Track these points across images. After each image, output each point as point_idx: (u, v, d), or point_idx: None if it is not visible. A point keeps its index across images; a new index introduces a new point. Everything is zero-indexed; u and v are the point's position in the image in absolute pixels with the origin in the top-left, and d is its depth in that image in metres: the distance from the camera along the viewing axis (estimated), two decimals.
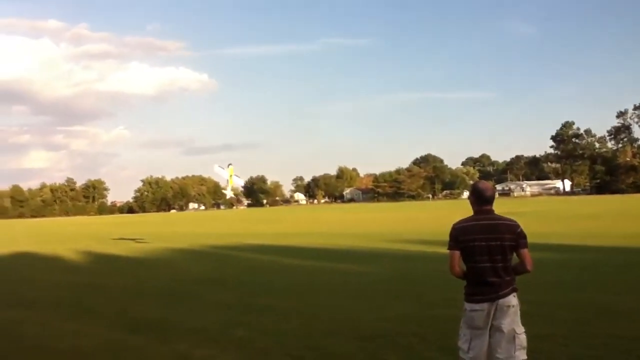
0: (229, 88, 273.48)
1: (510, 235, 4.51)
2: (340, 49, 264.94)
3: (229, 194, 33.86)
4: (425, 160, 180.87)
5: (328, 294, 11.66)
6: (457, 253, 4.57)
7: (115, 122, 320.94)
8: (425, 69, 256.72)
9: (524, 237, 4.57)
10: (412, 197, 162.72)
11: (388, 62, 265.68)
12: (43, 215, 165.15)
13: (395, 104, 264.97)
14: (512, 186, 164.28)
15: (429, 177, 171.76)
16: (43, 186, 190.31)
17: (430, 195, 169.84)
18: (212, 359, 6.99)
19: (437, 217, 44.75)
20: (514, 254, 4.57)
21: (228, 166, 31.81)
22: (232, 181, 31.82)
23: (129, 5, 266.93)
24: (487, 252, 4.47)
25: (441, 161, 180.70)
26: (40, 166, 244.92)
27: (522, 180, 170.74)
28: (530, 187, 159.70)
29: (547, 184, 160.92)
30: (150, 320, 9.61)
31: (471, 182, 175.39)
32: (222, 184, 29.13)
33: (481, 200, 4.63)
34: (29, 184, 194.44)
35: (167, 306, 11.01)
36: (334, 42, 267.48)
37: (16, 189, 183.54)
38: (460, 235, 4.56)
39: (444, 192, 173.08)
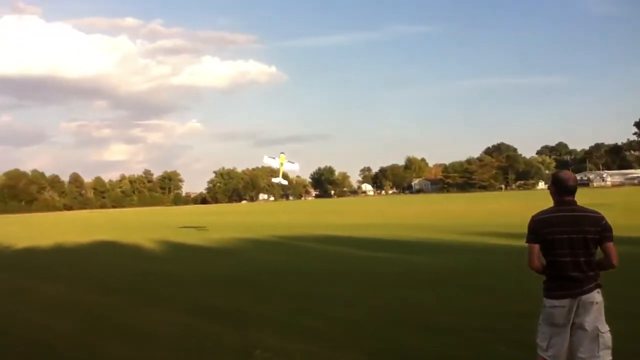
0: (297, 80, 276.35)
1: (594, 228, 4.27)
2: (407, 36, 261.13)
3: (279, 180, 33.54)
4: (497, 150, 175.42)
5: (397, 285, 11.55)
6: (537, 246, 4.35)
7: (189, 115, 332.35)
8: (496, 54, 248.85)
9: (609, 230, 4.31)
10: (484, 188, 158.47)
11: (456, 48, 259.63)
12: (122, 206, 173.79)
13: (465, 91, 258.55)
14: (592, 176, 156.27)
15: (501, 167, 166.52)
16: (122, 178, 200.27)
17: (503, 186, 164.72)
18: (282, 349, 7.09)
19: (511, 209, 43.31)
20: (598, 248, 4.32)
21: (280, 154, 31.91)
22: (283, 169, 31.97)
23: (200, 0, 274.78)
24: (569, 246, 4.24)
25: (515, 150, 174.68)
26: (120, 159, 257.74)
27: (602, 170, 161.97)
28: (611, 177, 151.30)
29: (630, 174, 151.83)
30: (223, 308, 9.90)
31: (547, 172, 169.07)
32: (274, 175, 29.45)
33: (563, 190, 4.40)
34: (109, 176, 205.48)
35: (239, 294, 11.29)
36: (400, 29, 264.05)
37: (98, 181, 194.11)
38: (540, 228, 4.34)
39: (518, 183, 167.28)
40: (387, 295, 10.48)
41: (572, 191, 4.41)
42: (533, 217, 4.46)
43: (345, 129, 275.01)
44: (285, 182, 35.30)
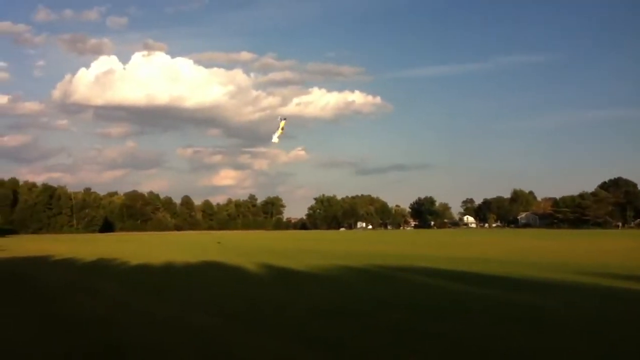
0: (401, 110, 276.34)
1: None
2: (516, 66, 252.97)
3: (274, 139, 37.11)
4: (615, 184, 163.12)
5: (502, 325, 10.88)
6: None
7: (294, 143, 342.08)
8: (616, 84, 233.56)
9: None
10: (598, 225, 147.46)
11: (571, 77, 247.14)
12: (227, 228, 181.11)
13: (580, 123, 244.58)
14: None
15: (619, 203, 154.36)
16: (229, 202, 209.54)
17: (620, 224, 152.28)
18: None
19: (632, 249, 39.85)
20: None
21: (283, 120, 36.45)
22: (281, 132, 36.09)
23: (311, 35, 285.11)
24: None
25: (634, 186, 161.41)
26: (228, 183, 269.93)
27: None
28: None
29: None
30: (325, 338, 9.83)
31: None
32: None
33: None
34: (217, 199, 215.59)
35: (341, 324, 11.18)
36: (508, 59, 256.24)
37: (207, 204, 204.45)
38: None
39: (637, 221, 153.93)
40: (492, 335, 9.89)
41: None
42: None
43: (448, 159, 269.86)
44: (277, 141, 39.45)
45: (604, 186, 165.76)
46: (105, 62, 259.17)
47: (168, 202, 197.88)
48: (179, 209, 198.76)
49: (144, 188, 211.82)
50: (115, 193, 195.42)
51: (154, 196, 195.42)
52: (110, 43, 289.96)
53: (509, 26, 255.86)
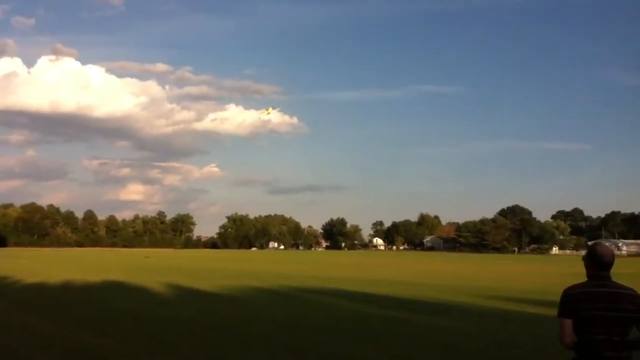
0: (317, 131, 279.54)
1: (630, 307, 4.07)
2: (429, 96, 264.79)
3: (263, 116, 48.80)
4: (512, 212, 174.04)
5: (411, 348, 11.19)
6: (569, 322, 4.15)
7: (208, 159, 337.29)
8: (517, 117, 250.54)
9: None
10: (497, 250, 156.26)
11: (478, 109, 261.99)
12: (133, 246, 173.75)
13: (483, 152, 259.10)
14: (607, 244, 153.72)
15: (515, 230, 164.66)
16: (136, 218, 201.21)
17: (516, 249, 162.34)
18: None
19: (525, 273, 42.51)
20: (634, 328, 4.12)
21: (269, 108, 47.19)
22: (269, 112, 51.80)
23: (229, 51, 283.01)
24: (604, 324, 4.04)
25: (529, 213, 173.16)
26: (136, 198, 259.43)
27: (618, 239, 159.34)
28: (627, 247, 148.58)
29: None
30: (198, 356, 9.63)
31: (561, 237, 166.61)
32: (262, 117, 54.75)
33: (599, 265, 4.24)
34: (123, 215, 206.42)
35: (244, 346, 11.01)
36: (422, 89, 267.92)
37: (111, 219, 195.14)
38: (573, 303, 4.15)
39: (531, 246, 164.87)
40: (402, 357, 10.13)
41: (609, 267, 4.24)
42: (565, 290, 4.29)
43: (361, 182, 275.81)
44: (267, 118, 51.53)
45: (502, 213, 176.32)
46: (8, 64, 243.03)
47: (69, 217, 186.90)
48: (81, 224, 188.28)
49: (44, 201, 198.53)
50: (11, 205, 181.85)
51: (53, 209, 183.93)
52: (15, 45, 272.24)
53: (424, 56, 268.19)
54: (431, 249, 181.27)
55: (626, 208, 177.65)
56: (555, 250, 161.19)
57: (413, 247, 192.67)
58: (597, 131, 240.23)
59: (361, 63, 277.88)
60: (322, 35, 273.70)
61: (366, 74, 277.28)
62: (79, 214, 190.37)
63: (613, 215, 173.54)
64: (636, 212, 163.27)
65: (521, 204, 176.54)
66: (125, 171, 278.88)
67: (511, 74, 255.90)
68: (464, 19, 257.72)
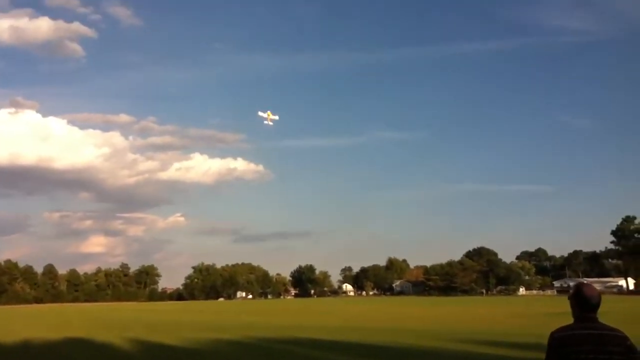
0: (283, 178, 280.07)
1: (618, 349, 4.04)
2: (392, 141, 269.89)
3: (268, 123, 55.46)
4: (478, 253, 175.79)
5: None
6: None
7: (173, 209, 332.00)
8: (479, 160, 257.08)
9: (635, 351, 4.07)
10: (465, 292, 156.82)
11: (441, 153, 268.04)
12: (96, 300, 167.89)
13: (447, 195, 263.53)
14: (571, 283, 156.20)
15: (482, 271, 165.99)
16: (98, 271, 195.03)
17: (484, 291, 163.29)
18: None
19: (495, 314, 42.70)
20: None
21: (267, 112, 53.97)
22: (270, 115, 54.25)
23: (193, 101, 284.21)
24: None
25: (495, 254, 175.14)
26: (98, 251, 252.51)
27: (582, 277, 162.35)
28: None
29: (609, 282, 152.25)
30: None
31: (527, 277, 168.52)
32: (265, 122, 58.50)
33: (585, 307, 4.22)
34: (85, 268, 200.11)
35: None
36: (385, 135, 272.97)
37: (72, 273, 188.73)
38: (561, 346, 4.10)
39: (499, 288, 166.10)
40: None
41: (595, 308, 4.23)
42: (553, 333, 4.22)
43: (328, 228, 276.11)
44: (271, 124, 56.45)
45: (468, 255, 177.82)
46: None
47: (28, 272, 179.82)
48: (40, 278, 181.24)
49: (3, 256, 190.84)
50: None
51: (11, 265, 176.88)
52: None
53: (386, 104, 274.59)
54: (400, 293, 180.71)
55: (588, 247, 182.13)
56: (522, 290, 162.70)
57: (382, 292, 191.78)
58: (558, 173, 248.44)
59: (324, 110, 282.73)
60: (285, 83, 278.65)
61: (329, 121, 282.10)
62: (39, 269, 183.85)
63: (575, 254, 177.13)
64: (597, 251, 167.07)
65: (487, 246, 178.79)
66: (88, 223, 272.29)
67: (471, 119, 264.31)
68: (425, 68, 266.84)
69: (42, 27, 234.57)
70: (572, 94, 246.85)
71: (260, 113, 55.15)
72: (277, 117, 57.94)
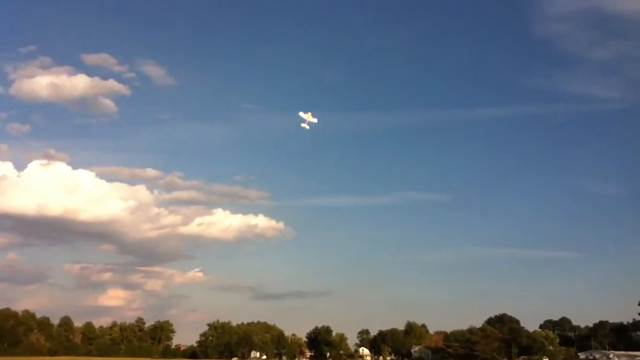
0: (303, 236, 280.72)
1: None
2: (416, 203, 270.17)
3: (305, 125, 57.90)
4: (500, 320, 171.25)
5: None
6: None
7: (192, 264, 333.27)
8: (503, 224, 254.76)
9: None
10: None
11: (464, 216, 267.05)
12: (109, 355, 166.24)
13: (470, 259, 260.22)
14: (597, 355, 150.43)
15: (504, 339, 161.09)
16: (114, 325, 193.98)
17: None
18: None
19: None
20: None
21: (308, 113, 56.94)
22: (310, 117, 56.79)
23: (219, 157, 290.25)
24: None
25: (517, 322, 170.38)
26: (115, 304, 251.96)
27: (608, 350, 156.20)
28: (618, 358, 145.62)
29: (637, 355, 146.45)
30: None
31: (551, 347, 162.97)
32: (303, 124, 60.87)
33: None
34: (101, 321, 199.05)
35: None
36: (408, 195, 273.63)
37: (88, 326, 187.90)
38: None
39: (521, 358, 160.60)
40: None
41: None
42: None
43: (347, 289, 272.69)
44: (308, 127, 59.48)
45: (490, 321, 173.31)
46: None
47: (44, 323, 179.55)
48: (56, 330, 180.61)
49: (21, 305, 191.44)
50: None
51: (28, 315, 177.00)
52: (8, 149, 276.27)
53: (410, 164, 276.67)
54: (419, 359, 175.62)
55: (614, 317, 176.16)
56: None
57: (400, 357, 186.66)
58: (584, 240, 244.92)
59: (347, 170, 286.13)
60: (309, 143, 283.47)
61: (352, 180, 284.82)
62: (55, 320, 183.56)
63: (602, 324, 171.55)
64: (625, 322, 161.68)
65: (509, 312, 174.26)
66: (107, 276, 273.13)
67: (497, 182, 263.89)
68: (451, 131, 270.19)
69: (79, 84, 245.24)
70: (599, 161, 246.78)
71: (301, 113, 59.50)
72: (315, 120, 60.51)
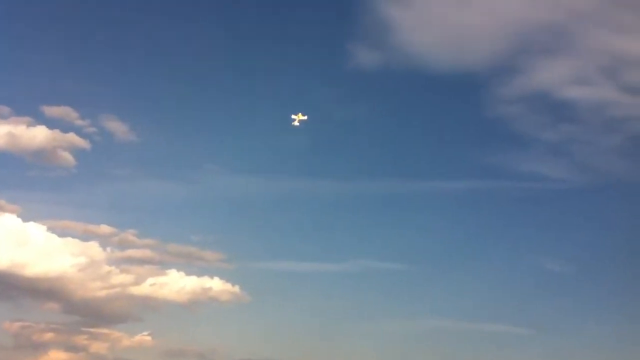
0: (259, 302, 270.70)
1: None
2: (372, 271, 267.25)
3: (296, 123, 62.17)
4: None
5: None
6: None
7: (141, 327, 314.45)
8: (456, 297, 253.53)
9: None
10: None
11: (418, 287, 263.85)
12: None
13: (424, 330, 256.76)
14: None
15: None
16: None
17: None
18: None
19: None
20: None
21: (299, 114, 60.98)
22: (300, 116, 61.19)
23: (178, 217, 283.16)
24: None
25: None
26: None
27: None
28: None
29: None
30: None
31: None
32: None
33: None
34: None
35: None
36: (365, 263, 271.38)
37: None
38: None
39: None
40: None
41: None
42: None
43: (301, 357, 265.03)
44: (298, 124, 63.50)
45: None
46: None
47: None
48: None
49: None
50: None
51: None
52: None
53: (368, 232, 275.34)
54: None
55: None
56: None
57: None
58: (538, 315, 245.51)
59: (306, 235, 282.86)
60: (270, 207, 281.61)
61: (311, 246, 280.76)
62: None
63: None
64: None
65: None
66: (49, 336, 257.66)
67: (454, 254, 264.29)
68: (409, 200, 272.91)
69: (38, 135, 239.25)
70: (549, 238, 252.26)
71: (293, 116, 60.75)
72: (305, 118, 65.61)
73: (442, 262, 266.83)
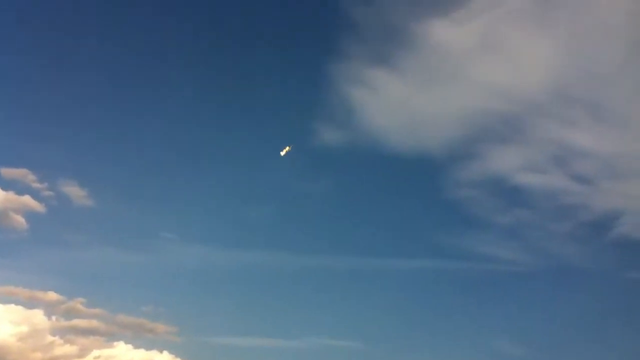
0: None
1: None
2: (326, 348, 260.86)
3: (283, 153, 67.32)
4: None
5: None
6: None
7: None
8: None
9: None
10: None
11: None
12: None
13: None
14: None
15: None
16: None
17: None
18: None
19: None
20: None
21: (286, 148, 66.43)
22: (288, 149, 65.39)
23: (129, 287, 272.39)
24: None
25: None
26: None
27: None
28: None
29: None
30: None
31: None
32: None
33: None
34: None
35: None
36: (319, 341, 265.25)
37: None
38: None
39: None
40: None
41: None
42: None
43: None
44: (283, 154, 67.92)
45: None
46: None
47: None
48: None
49: None
50: None
51: None
52: None
53: (322, 309, 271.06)
54: None
55: None
56: None
57: None
58: None
59: (260, 310, 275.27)
60: (225, 279, 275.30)
61: (264, 321, 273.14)
62: None
63: None
64: None
65: None
66: None
67: (410, 333, 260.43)
68: (366, 277, 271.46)
69: None
70: (506, 320, 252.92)
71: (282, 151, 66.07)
72: (289, 148, 65.92)
73: (398, 341, 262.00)
